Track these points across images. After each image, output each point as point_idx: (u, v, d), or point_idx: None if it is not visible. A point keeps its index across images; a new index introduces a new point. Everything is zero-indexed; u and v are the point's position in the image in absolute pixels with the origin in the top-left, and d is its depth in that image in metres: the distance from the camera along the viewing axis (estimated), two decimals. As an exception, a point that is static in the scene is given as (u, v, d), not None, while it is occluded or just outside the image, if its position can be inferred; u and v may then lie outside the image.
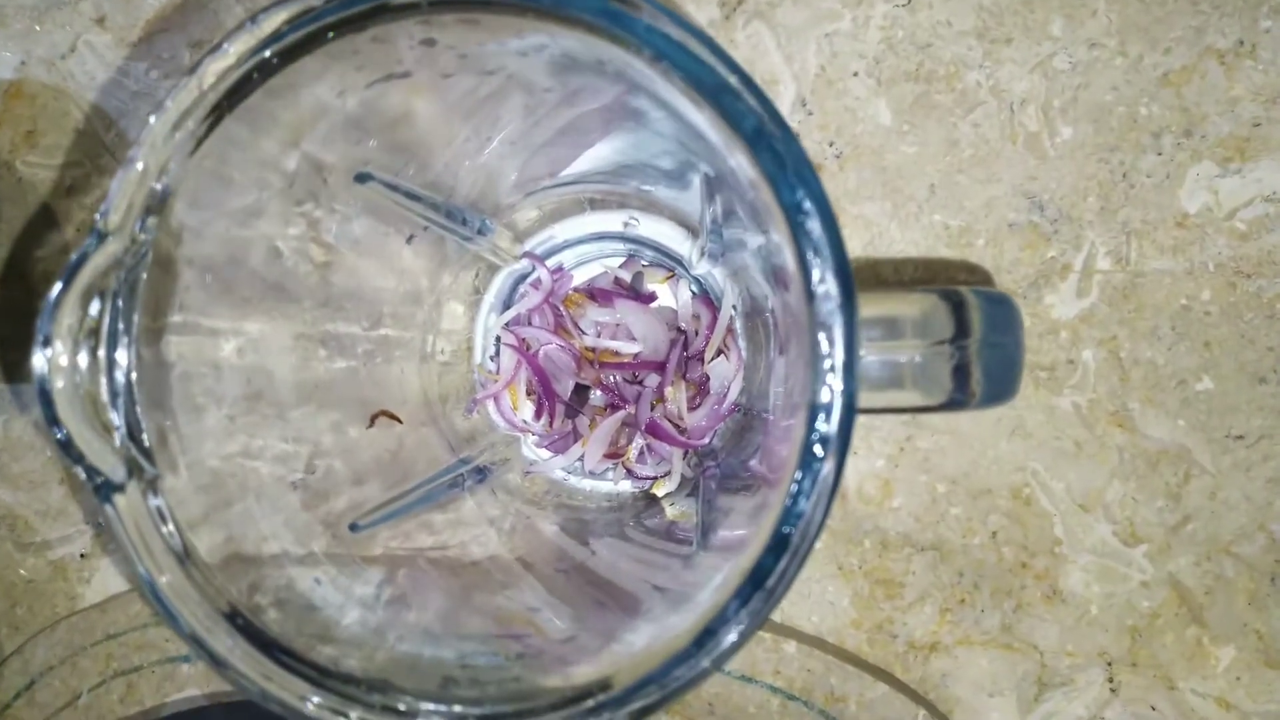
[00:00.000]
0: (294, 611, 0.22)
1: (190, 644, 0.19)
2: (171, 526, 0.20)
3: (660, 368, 0.36)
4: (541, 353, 0.37)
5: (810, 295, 0.17)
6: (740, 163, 0.18)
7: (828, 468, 0.17)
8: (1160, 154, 0.39)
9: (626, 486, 0.38)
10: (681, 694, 0.18)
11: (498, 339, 0.38)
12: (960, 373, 0.22)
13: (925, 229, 0.40)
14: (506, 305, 0.38)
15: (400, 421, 0.32)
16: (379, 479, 0.30)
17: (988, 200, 0.39)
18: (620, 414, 0.36)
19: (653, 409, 0.36)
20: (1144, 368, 0.39)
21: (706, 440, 0.37)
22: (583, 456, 0.37)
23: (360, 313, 0.31)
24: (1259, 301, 0.39)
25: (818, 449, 0.17)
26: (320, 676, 0.20)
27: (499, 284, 0.38)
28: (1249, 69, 0.39)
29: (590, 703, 0.19)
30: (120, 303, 0.19)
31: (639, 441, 0.37)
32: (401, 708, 0.20)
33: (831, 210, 0.17)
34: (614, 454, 0.37)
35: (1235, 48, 0.39)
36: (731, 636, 0.18)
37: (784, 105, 0.40)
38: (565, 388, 0.37)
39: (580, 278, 0.38)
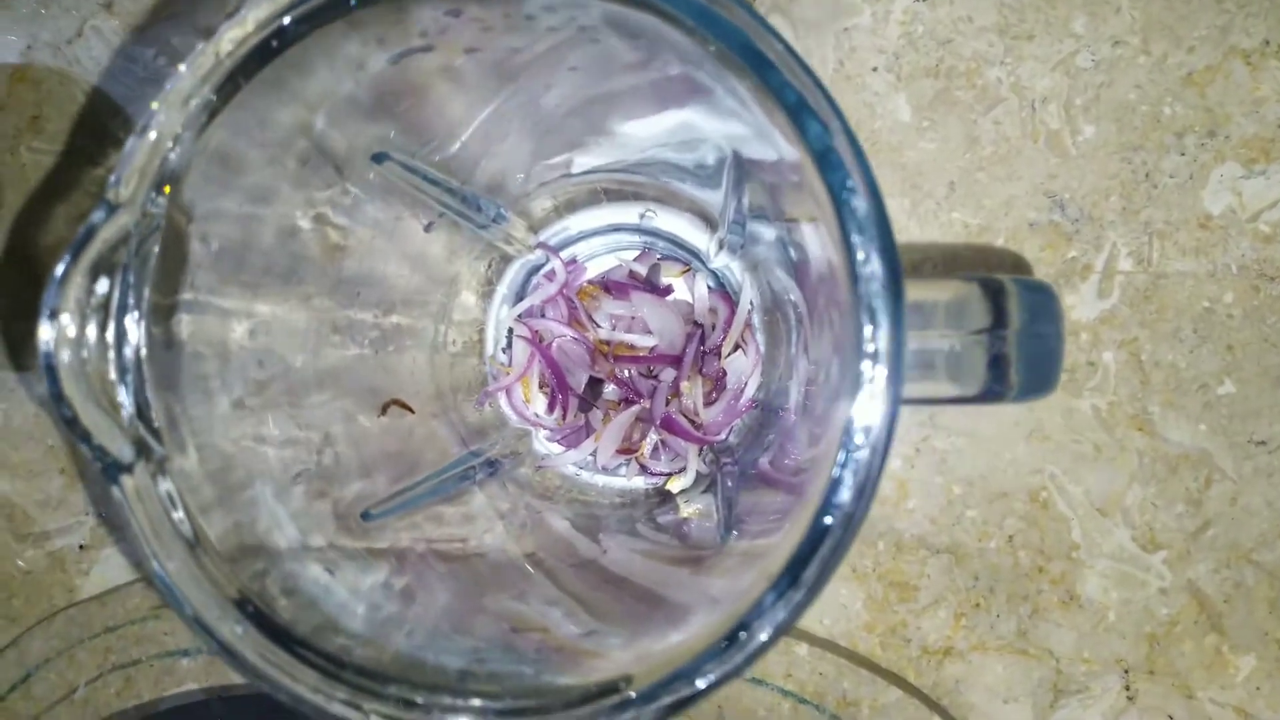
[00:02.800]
0: (303, 602, 0.21)
1: (198, 631, 0.19)
2: (181, 512, 0.19)
3: (676, 362, 0.35)
4: (555, 345, 0.36)
5: (855, 276, 0.16)
6: (781, 139, 0.17)
7: (870, 457, 0.16)
8: (1184, 154, 0.38)
9: (640, 483, 0.37)
10: (712, 691, 0.18)
11: (510, 331, 0.37)
12: (997, 363, 0.21)
13: (944, 227, 0.39)
14: (520, 297, 0.37)
15: (412, 411, 0.31)
16: (388, 470, 0.29)
17: (1008, 199, 0.39)
18: (634, 409, 0.36)
19: (668, 404, 0.35)
20: (1165, 370, 0.39)
21: (723, 436, 0.36)
22: (595, 451, 0.36)
23: (373, 299, 0.30)
24: (1283, 305, 0.38)
25: (859, 437, 0.16)
26: (335, 668, 0.19)
27: (512, 275, 0.37)
28: (1274, 69, 0.38)
29: (616, 698, 0.18)
30: (130, 277, 0.18)
31: (653, 437, 0.36)
32: (419, 700, 0.19)
33: (878, 187, 0.16)
34: (628, 449, 0.36)
35: (1261, 47, 0.38)
36: (766, 631, 0.17)
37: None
38: (579, 381, 0.36)
39: (594, 270, 0.38)
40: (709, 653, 0.17)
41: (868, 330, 0.16)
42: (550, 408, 0.37)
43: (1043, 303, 0.22)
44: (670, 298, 0.36)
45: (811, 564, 0.17)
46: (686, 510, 0.34)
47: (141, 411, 0.19)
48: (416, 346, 0.33)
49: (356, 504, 0.26)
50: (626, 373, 0.36)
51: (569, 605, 0.27)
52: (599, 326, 0.36)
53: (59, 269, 0.18)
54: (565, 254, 0.37)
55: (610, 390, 0.37)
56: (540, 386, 0.37)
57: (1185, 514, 0.39)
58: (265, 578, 0.21)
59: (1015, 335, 0.21)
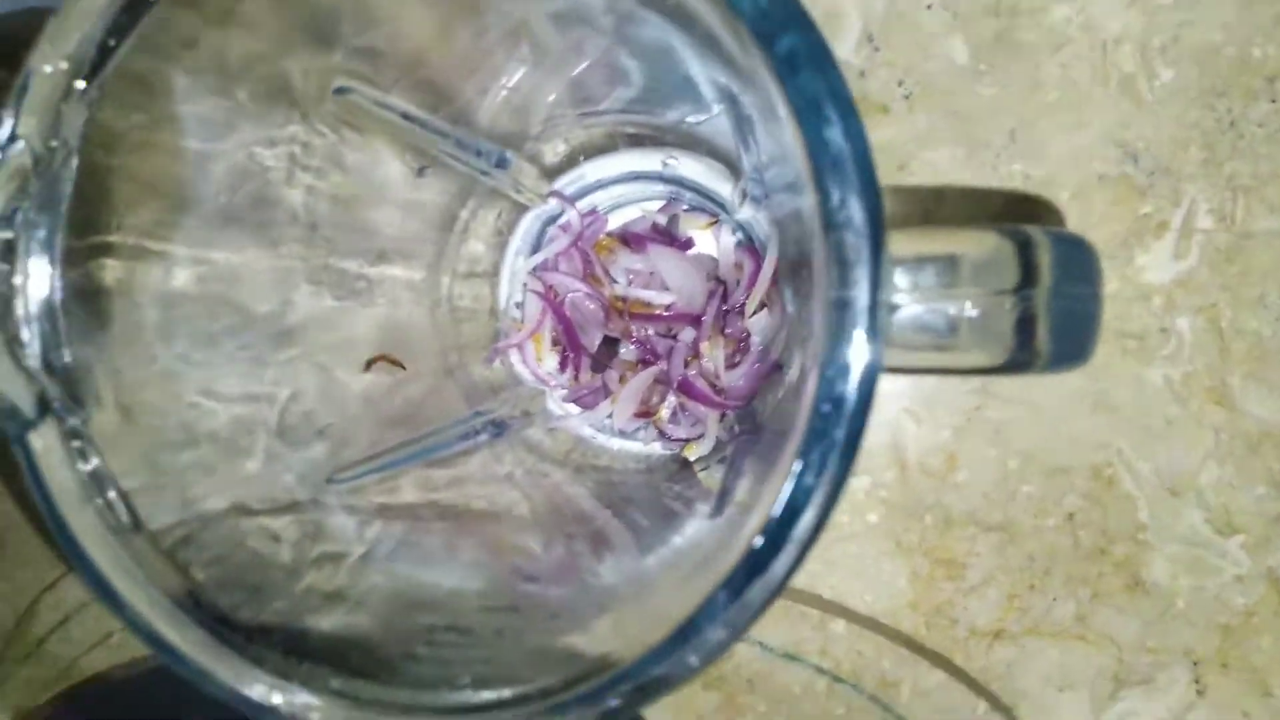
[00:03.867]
0: (233, 573, 0.20)
1: (106, 602, 0.17)
2: (105, 479, 0.18)
3: (696, 321, 0.33)
4: (568, 301, 0.34)
5: (827, 224, 0.14)
6: (752, 62, 0.15)
7: (840, 436, 0.14)
8: (1274, 101, 0.35)
9: (657, 448, 0.35)
10: (661, 694, 0.16)
11: (525, 284, 0.35)
12: (1024, 328, 0.18)
13: (1003, 179, 0.36)
14: (536, 247, 0.35)
15: (404, 368, 0.29)
16: (371, 430, 0.27)
17: (1074, 149, 0.36)
18: (652, 370, 0.33)
19: (687, 366, 0.33)
20: (1248, 339, 0.35)
21: (745, 402, 0.33)
22: (612, 414, 0.34)
23: (358, 247, 0.28)
24: (1383, 267, 0.34)
25: (828, 412, 0.14)
26: (260, 650, 0.17)
27: (526, 225, 0.35)
28: (1383, 3, 0.34)
29: (555, 699, 0.16)
30: (34, 214, 0.17)
31: (671, 400, 0.34)
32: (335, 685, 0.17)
33: (858, 117, 0.13)
34: (645, 413, 0.34)
35: (1370, -23, 0.34)
36: (720, 632, 0.15)
37: (849, 41, 0.36)
38: (592, 340, 0.34)
39: (616, 221, 0.35)
40: (655, 654, 0.15)
41: (842, 290, 0.14)
42: (562, 367, 0.35)
43: (1077, 258, 0.19)
44: (692, 251, 0.34)
45: (773, 559, 0.14)
46: (705, 479, 0.32)
47: (51, 364, 0.17)
48: (413, 299, 0.31)
49: (324, 466, 0.24)
50: (644, 332, 0.34)
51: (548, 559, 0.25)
52: (615, 282, 0.34)
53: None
54: (584, 203, 0.34)
55: (628, 350, 0.35)
56: (553, 344, 0.35)
57: (1266, 496, 0.36)
58: (188, 546, 0.19)
59: (1045, 295, 0.18)
